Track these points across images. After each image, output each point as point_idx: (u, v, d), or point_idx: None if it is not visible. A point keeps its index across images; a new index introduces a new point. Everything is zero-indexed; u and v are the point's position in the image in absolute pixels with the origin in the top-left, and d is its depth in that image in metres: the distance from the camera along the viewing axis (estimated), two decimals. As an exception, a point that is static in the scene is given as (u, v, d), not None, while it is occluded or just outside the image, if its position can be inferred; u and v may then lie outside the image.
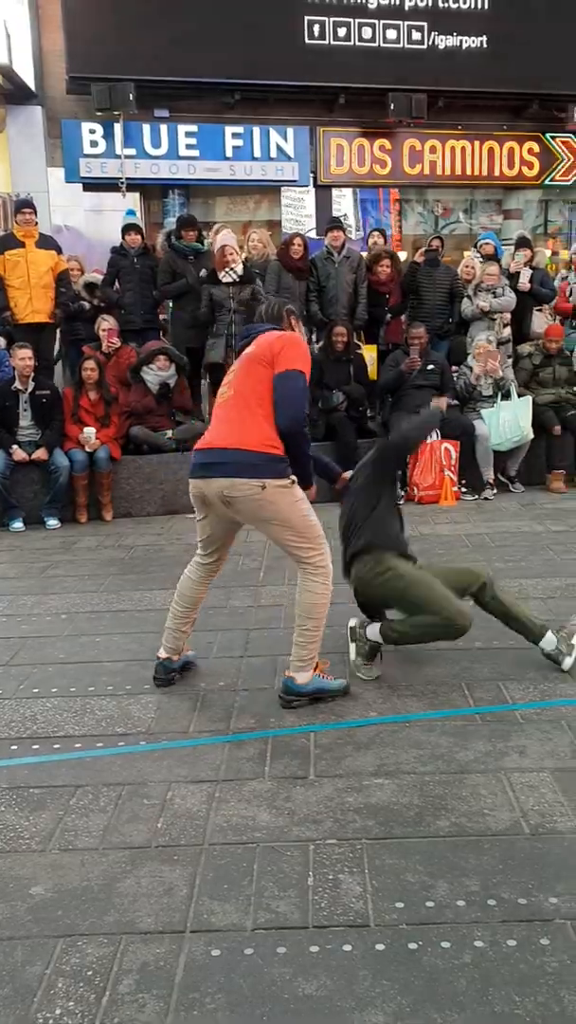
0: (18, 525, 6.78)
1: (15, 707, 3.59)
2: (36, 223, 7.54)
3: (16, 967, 2.11)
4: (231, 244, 7.57)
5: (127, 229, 8.22)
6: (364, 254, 8.71)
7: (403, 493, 7.37)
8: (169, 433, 7.43)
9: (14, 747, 3.24)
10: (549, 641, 3.82)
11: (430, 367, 7.55)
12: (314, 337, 8.38)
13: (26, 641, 4.36)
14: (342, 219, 10.14)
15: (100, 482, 7.04)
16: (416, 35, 11.29)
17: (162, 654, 3.82)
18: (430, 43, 11.32)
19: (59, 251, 7.72)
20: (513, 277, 8.34)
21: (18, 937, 2.22)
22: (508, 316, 8.24)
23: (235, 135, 11.25)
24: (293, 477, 3.45)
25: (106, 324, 7.65)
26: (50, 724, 3.42)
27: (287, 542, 3.51)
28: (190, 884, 2.42)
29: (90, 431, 6.93)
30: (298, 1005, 1.98)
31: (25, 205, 7.49)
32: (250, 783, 2.94)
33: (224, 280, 7.40)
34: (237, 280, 7.41)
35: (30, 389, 6.89)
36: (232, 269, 7.39)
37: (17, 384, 6.86)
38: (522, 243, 8.77)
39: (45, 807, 2.82)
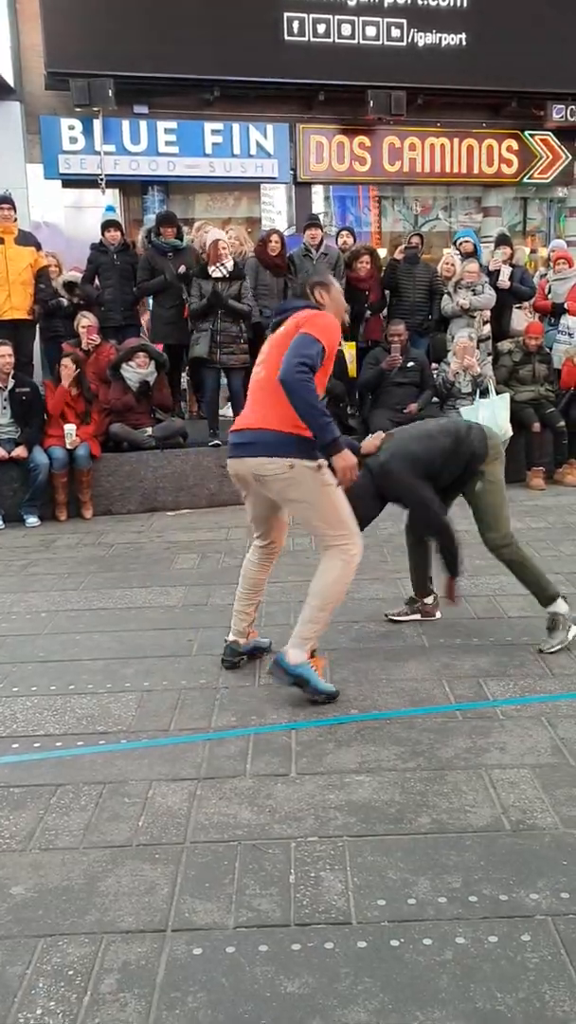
0: None
1: (-6, 706, 3.57)
2: (15, 219, 7.48)
3: (-4, 968, 2.10)
4: (224, 239, 7.55)
5: (107, 226, 8.17)
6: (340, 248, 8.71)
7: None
8: (149, 431, 7.40)
9: (-7, 747, 3.22)
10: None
11: (410, 364, 7.57)
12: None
13: (5, 639, 4.33)
14: (321, 217, 10.14)
15: (80, 480, 7.00)
16: (395, 32, 11.30)
17: (229, 637, 3.92)
18: (409, 40, 11.33)
19: (38, 248, 7.67)
20: (493, 275, 8.38)
21: (-2, 938, 2.21)
22: (488, 313, 8.27)
23: (214, 132, 11.21)
24: (323, 461, 3.40)
25: (86, 321, 7.60)
26: (30, 723, 3.40)
27: (314, 525, 3.55)
28: (171, 883, 2.41)
29: (71, 428, 6.89)
30: (280, 1003, 1.98)
31: (3, 201, 7.43)
32: (231, 781, 2.94)
33: (214, 275, 7.36)
34: (226, 276, 7.38)
35: (9, 387, 6.84)
36: (223, 264, 7.36)
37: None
38: (502, 241, 8.81)
39: (25, 806, 2.80)
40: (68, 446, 6.88)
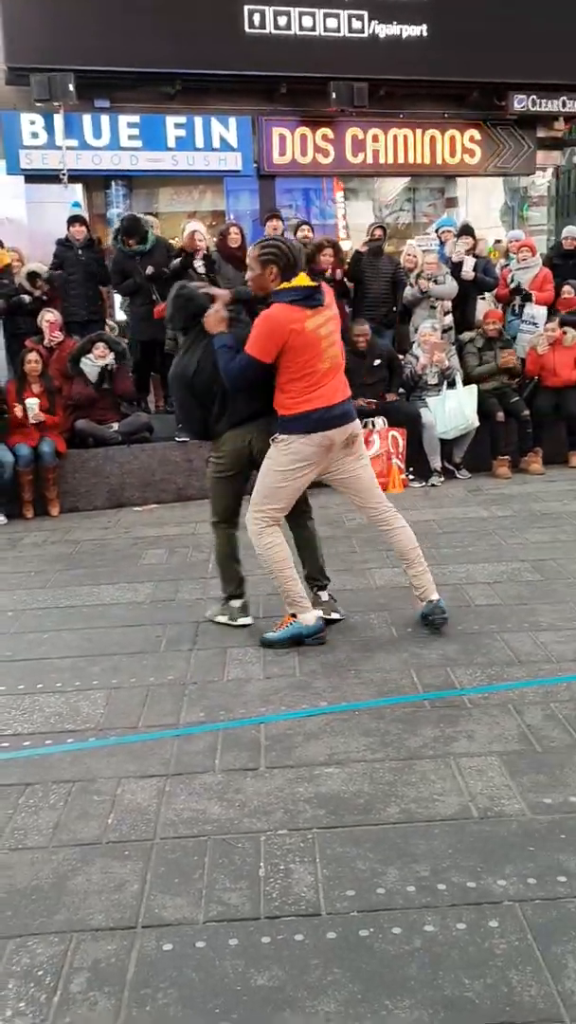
0: None
1: (-39, 708, 3.53)
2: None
3: (-36, 971, 2.09)
4: (200, 230, 7.52)
5: (72, 221, 8.12)
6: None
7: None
8: (115, 426, 7.36)
9: (-40, 748, 3.20)
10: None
11: (376, 363, 7.58)
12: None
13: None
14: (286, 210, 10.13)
15: (46, 477, 6.94)
16: (356, 24, 11.30)
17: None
18: (371, 32, 11.34)
19: (0, 244, 7.59)
20: (457, 266, 8.42)
21: (-34, 941, 2.19)
22: (449, 304, 8.31)
23: (177, 125, 11.16)
24: (283, 437, 3.84)
25: (49, 316, 7.53)
26: (-3, 723, 3.38)
27: (373, 481, 4.19)
28: (141, 879, 2.41)
29: (32, 402, 6.80)
30: (251, 996, 1.99)
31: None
32: (200, 776, 2.94)
33: (199, 269, 7.31)
34: (201, 270, 7.33)
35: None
36: (205, 255, 7.31)
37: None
38: (465, 231, 8.85)
39: (-7, 808, 2.78)
40: (31, 420, 6.80)
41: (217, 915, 2.26)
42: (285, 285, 3.78)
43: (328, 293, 3.91)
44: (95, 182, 11.61)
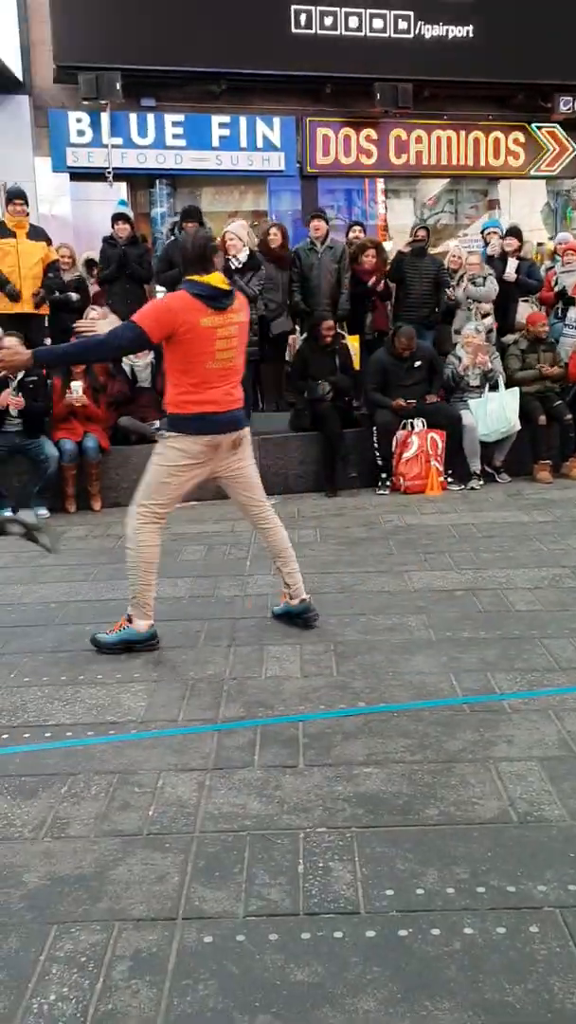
0: (7, 515, 6.75)
1: (6, 696, 3.59)
2: (27, 213, 7.50)
3: (10, 953, 2.12)
4: (233, 231, 7.54)
5: (116, 218, 8.19)
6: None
7: (389, 483, 7.41)
8: (157, 423, 7.42)
9: (5, 736, 3.25)
10: None
11: (417, 364, 7.55)
12: (298, 328, 8.39)
13: (16, 630, 4.36)
14: (328, 210, 10.13)
15: (89, 472, 7.03)
16: (402, 24, 11.25)
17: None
18: (416, 32, 11.29)
19: (49, 243, 7.70)
20: (500, 267, 8.37)
21: (12, 924, 2.23)
22: (488, 306, 8.26)
23: (221, 125, 11.19)
24: (170, 433, 3.96)
25: (94, 314, 7.61)
26: (41, 713, 3.43)
27: (257, 484, 4.26)
28: (182, 871, 2.44)
29: (76, 385, 6.89)
30: (290, 991, 2.01)
31: (16, 195, 7.45)
32: (240, 772, 2.96)
33: (233, 267, 7.35)
34: (239, 268, 7.33)
35: (19, 378, 6.86)
36: (235, 256, 7.32)
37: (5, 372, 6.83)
38: (512, 233, 8.80)
39: (37, 795, 2.83)
40: (75, 403, 6.87)
41: (257, 910, 2.28)
42: (196, 278, 3.83)
43: (240, 300, 3.97)
44: (139, 181, 11.69)
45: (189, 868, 2.45)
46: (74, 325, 4.62)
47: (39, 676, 3.79)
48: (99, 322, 4.44)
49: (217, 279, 3.86)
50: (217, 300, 3.82)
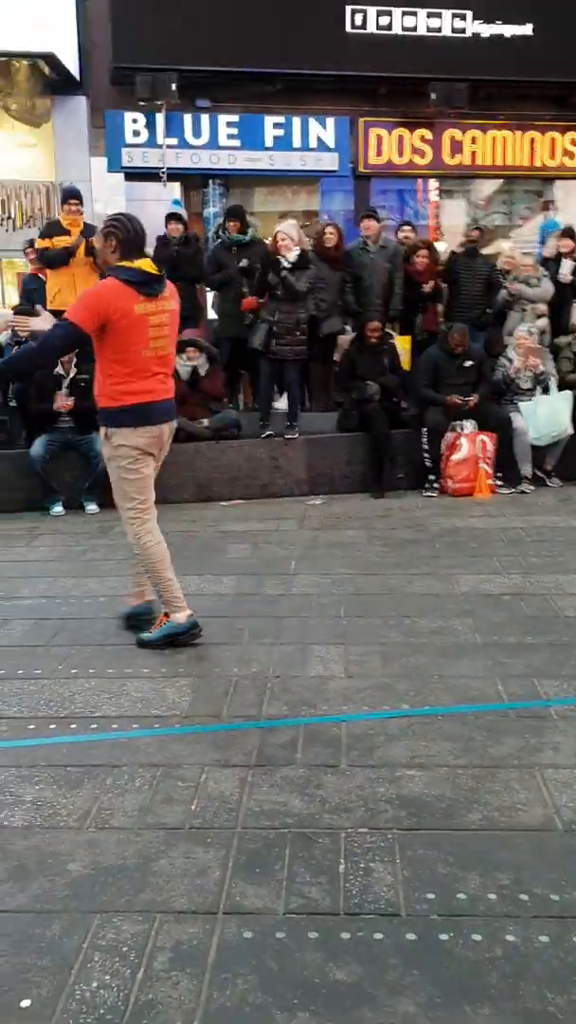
0: (58, 509, 6.87)
1: (54, 687, 3.65)
2: (82, 212, 7.60)
3: (54, 940, 2.16)
4: (284, 230, 7.54)
5: (169, 218, 8.26)
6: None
7: (437, 485, 7.36)
8: (205, 422, 7.47)
9: (53, 726, 3.30)
10: None
11: (468, 364, 7.49)
12: (348, 328, 8.37)
13: (66, 623, 4.43)
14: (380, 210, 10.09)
15: (137, 469, 7.08)
16: (459, 23, 11.16)
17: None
18: (473, 31, 11.19)
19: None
20: (554, 268, 8.27)
21: (56, 911, 2.27)
22: (542, 307, 8.16)
23: (276, 125, 11.22)
24: (114, 431, 3.90)
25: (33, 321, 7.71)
26: (88, 704, 3.47)
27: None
28: (223, 866, 2.45)
29: None
30: (329, 990, 2.01)
31: (72, 195, 7.56)
32: (282, 769, 2.96)
33: (283, 266, 7.36)
34: (288, 267, 7.33)
35: (72, 375, 6.96)
36: (284, 256, 7.33)
37: (59, 369, 6.93)
38: (567, 234, 8.68)
39: (82, 786, 2.87)
40: None
41: (297, 907, 2.28)
42: (125, 264, 3.79)
43: (170, 288, 3.94)
44: (193, 181, 11.77)
45: (230, 863, 2.46)
46: (8, 320, 4.59)
47: (86, 668, 3.84)
48: (33, 320, 4.46)
49: (147, 264, 3.82)
50: (148, 286, 3.79)
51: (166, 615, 4.10)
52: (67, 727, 3.29)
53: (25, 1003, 1.97)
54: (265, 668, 3.83)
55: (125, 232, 3.82)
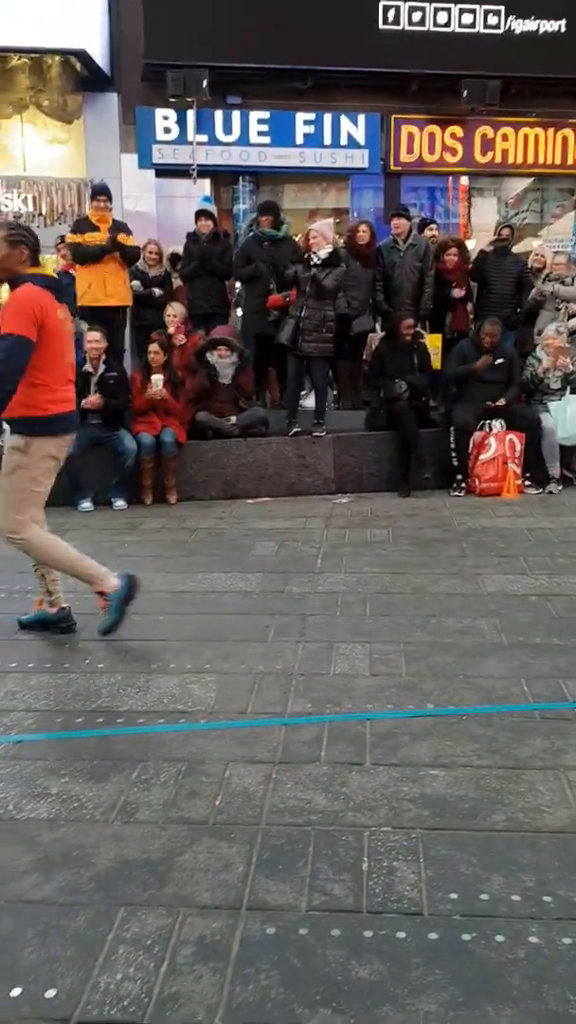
0: (87, 505, 6.93)
1: (82, 681, 3.68)
2: (111, 209, 7.65)
3: (79, 932, 2.18)
4: (316, 228, 7.55)
5: (199, 215, 8.29)
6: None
7: (464, 484, 7.33)
8: (233, 419, 7.50)
9: (79, 720, 3.34)
10: None
11: (499, 362, 7.46)
12: (378, 326, 8.36)
13: (93, 617, 4.45)
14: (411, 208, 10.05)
15: (166, 465, 7.15)
16: (492, 19, 11.07)
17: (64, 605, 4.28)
18: (507, 27, 11.10)
19: (128, 233, 7.83)
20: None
21: (81, 903, 2.29)
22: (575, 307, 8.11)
23: (306, 122, 11.21)
24: (33, 440, 3.82)
25: (171, 311, 7.74)
26: (114, 699, 3.50)
27: None
28: (247, 862, 2.46)
29: (158, 378, 7.00)
30: (351, 987, 2.01)
31: (101, 191, 7.61)
32: (306, 767, 2.97)
33: (312, 262, 7.36)
34: (318, 264, 7.32)
35: (100, 372, 7.01)
36: (314, 253, 7.32)
37: (88, 367, 6.99)
38: None
39: (108, 779, 2.89)
40: (156, 396, 6.99)
41: (320, 904, 2.29)
42: (36, 270, 3.77)
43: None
44: (223, 177, 11.79)
45: (254, 859, 2.48)
46: None
47: (113, 663, 3.88)
48: None
49: (50, 270, 3.80)
50: (59, 291, 3.80)
51: (101, 593, 4.05)
52: (93, 721, 3.32)
53: (50, 993, 1.99)
54: (290, 665, 3.84)
55: (32, 239, 3.82)
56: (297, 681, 3.67)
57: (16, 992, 1.99)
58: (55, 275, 3.83)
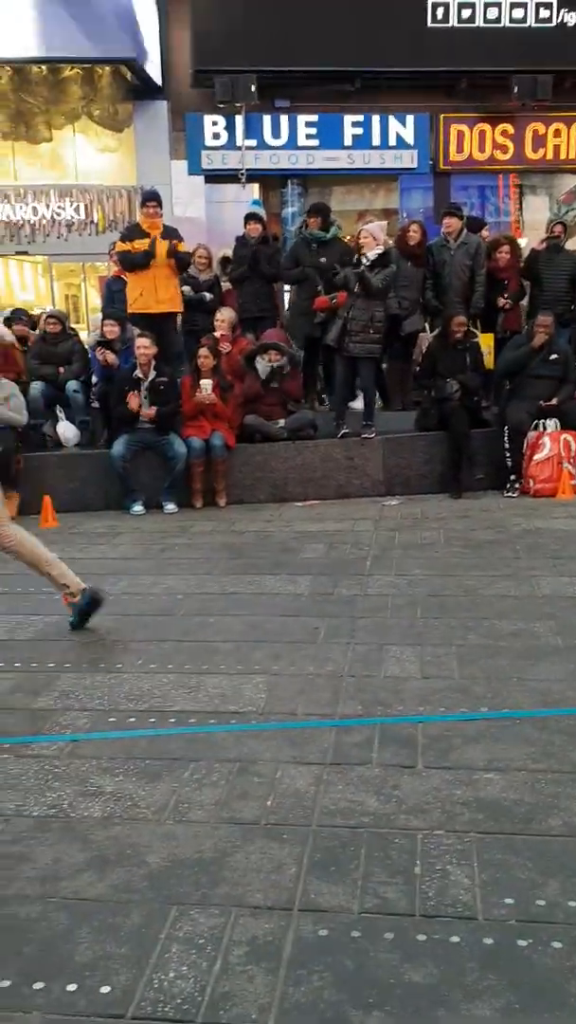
0: (138, 509, 7.01)
1: (134, 681, 3.72)
2: (160, 215, 7.72)
3: (133, 929, 2.20)
4: (368, 229, 7.52)
5: (248, 218, 8.33)
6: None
7: (518, 485, 7.23)
8: (281, 422, 7.51)
9: (132, 719, 3.36)
10: None
11: (553, 357, 7.34)
12: (427, 325, 8.30)
13: (144, 619, 4.51)
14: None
15: (215, 469, 7.19)
16: (544, 13, 10.95)
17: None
18: (559, 20, 10.96)
19: (180, 241, 7.90)
20: None
21: (134, 901, 2.31)
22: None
23: (355, 124, 11.21)
24: None
25: (220, 317, 7.79)
26: (166, 699, 3.53)
27: None
28: (298, 863, 2.46)
29: (206, 383, 7.04)
30: (404, 991, 1.99)
31: (151, 198, 7.68)
32: (357, 768, 2.96)
33: (363, 263, 7.33)
34: (367, 264, 7.29)
35: (151, 377, 7.08)
36: (363, 254, 7.29)
37: (138, 372, 7.06)
38: None
39: (161, 779, 2.91)
40: (205, 401, 7.03)
41: (373, 907, 2.27)
42: None
43: None
44: (271, 181, 11.86)
45: (305, 861, 2.47)
46: None
47: (165, 663, 3.90)
48: None
49: None
50: None
51: (70, 595, 4.26)
52: (146, 720, 3.35)
53: (105, 989, 2.01)
54: (340, 667, 3.83)
55: None
56: (347, 683, 3.66)
57: (72, 987, 2.01)
58: None
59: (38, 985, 2.02)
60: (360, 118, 11.15)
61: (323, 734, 3.20)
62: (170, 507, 7.09)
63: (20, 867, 2.45)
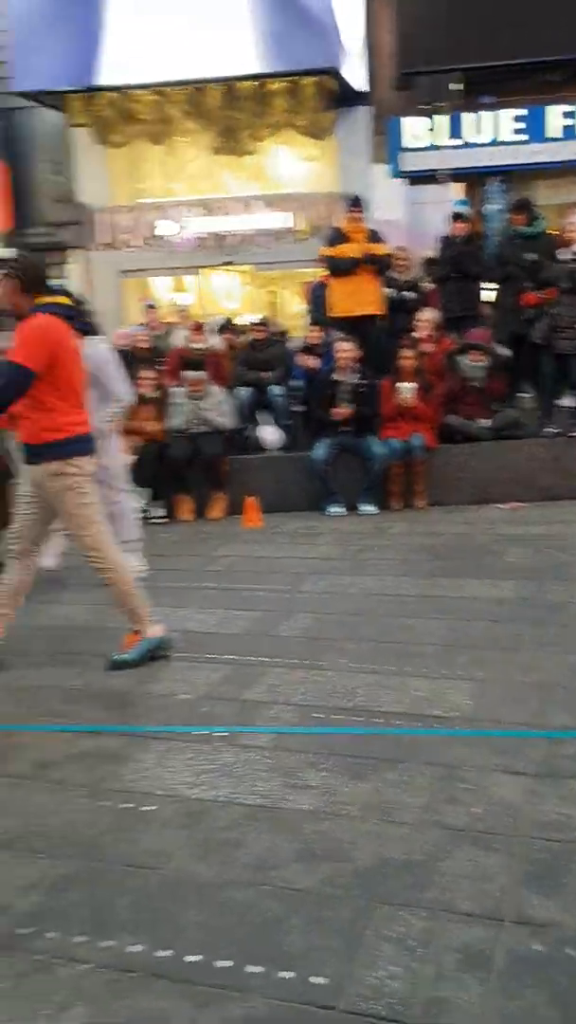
0: (336, 510, 7.10)
1: (339, 679, 3.76)
2: (364, 219, 7.79)
3: (344, 924, 2.22)
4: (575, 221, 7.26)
5: (454, 218, 8.26)
6: None
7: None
8: (483, 422, 7.35)
9: (337, 716, 3.41)
10: None
11: None
12: None
13: (344, 618, 4.56)
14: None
15: (415, 470, 7.15)
16: None
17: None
18: None
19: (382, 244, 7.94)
20: None
21: (341, 897, 2.33)
22: None
23: (565, 114, 10.79)
24: (73, 461, 3.82)
25: (422, 317, 7.73)
26: (370, 699, 3.54)
27: None
28: (508, 874, 2.39)
29: (407, 386, 7.02)
30: (627, 1017, 1.89)
31: (354, 204, 7.77)
32: (571, 782, 2.84)
33: (561, 258, 7.09)
34: (572, 259, 7.02)
35: (351, 380, 7.15)
36: (570, 249, 7.03)
37: (336, 375, 7.15)
38: None
39: (364, 778, 2.93)
40: (407, 403, 7.00)
41: (589, 926, 2.17)
42: (48, 299, 3.76)
43: None
44: (473, 179, 11.65)
45: (516, 872, 2.40)
46: None
47: (366, 663, 3.92)
48: None
49: (65, 299, 3.88)
50: (73, 320, 3.86)
51: (136, 632, 4.03)
52: (351, 719, 3.38)
53: (316, 980, 2.04)
54: (549, 676, 3.69)
55: (29, 271, 3.82)
56: (558, 693, 3.52)
57: (286, 975, 2.06)
58: (70, 304, 4.01)
59: (254, 968, 2.08)
60: (570, 108, 10.71)
61: (533, 744, 3.10)
62: (368, 509, 7.12)
63: (235, 853, 2.54)
